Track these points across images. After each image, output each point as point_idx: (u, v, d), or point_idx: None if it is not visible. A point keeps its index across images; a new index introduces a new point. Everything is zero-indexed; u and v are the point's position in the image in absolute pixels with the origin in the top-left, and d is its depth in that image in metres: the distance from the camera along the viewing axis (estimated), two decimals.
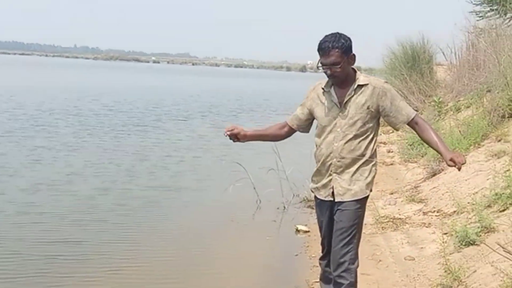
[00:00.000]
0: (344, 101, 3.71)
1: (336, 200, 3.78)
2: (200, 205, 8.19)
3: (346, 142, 3.70)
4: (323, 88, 3.80)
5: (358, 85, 3.70)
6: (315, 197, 3.98)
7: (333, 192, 3.78)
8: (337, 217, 3.76)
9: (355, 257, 3.75)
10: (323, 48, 3.64)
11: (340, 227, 3.74)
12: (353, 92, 3.70)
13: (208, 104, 25.26)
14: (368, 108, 3.67)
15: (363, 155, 3.71)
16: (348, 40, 3.68)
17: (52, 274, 5.33)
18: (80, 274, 5.33)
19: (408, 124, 3.78)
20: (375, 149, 3.80)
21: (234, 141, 3.97)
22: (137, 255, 5.96)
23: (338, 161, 3.73)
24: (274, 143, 8.50)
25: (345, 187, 3.73)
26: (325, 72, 3.70)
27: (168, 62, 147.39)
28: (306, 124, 3.96)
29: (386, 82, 3.84)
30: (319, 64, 3.71)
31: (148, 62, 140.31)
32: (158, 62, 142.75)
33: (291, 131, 4.04)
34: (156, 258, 5.87)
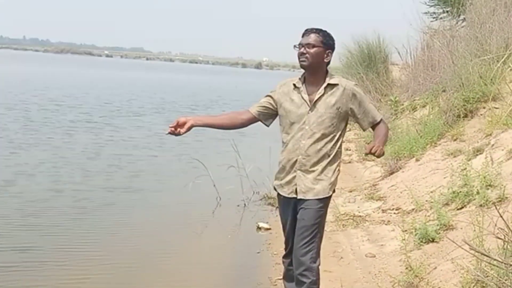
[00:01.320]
0: (315, 99, 3.73)
1: (298, 197, 3.78)
2: (159, 203, 8.07)
3: (314, 141, 3.71)
4: (294, 84, 3.82)
5: (329, 84, 3.72)
6: (278, 194, 3.97)
7: (296, 190, 3.80)
8: (300, 215, 3.77)
9: (317, 255, 3.75)
10: (307, 30, 3.79)
11: (302, 225, 3.75)
12: (323, 91, 3.72)
13: (161, 100, 24.96)
14: (337, 109, 3.70)
15: (328, 154, 3.73)
16: (333, 40, 3.80)
17: (3, 286, 4.97)
18: (35, 284, 5.06)
19: (372, 126, 3.85)
20: (341, 150, 3.82)
21: (176, 135, 3.77)
22: (94, 260, 5.68)
23: (304, 159, 3.75)
24: (234, 140, 8.57)
25: (309, 185, 3.74)
26: (298, 52, 3.75)
27: (121, 56, 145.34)
28: (269, 115, 3.90)
29: (356, 84, 3.87)
30: (296, 44, 3.79)
31: (100, 56, 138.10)
32: (111, 56, 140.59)
33: (251, 120, 3.90)
34: (114, 262, 5.70)
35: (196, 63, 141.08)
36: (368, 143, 9.96)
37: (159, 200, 8.19)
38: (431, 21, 14.50)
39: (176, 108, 21.54)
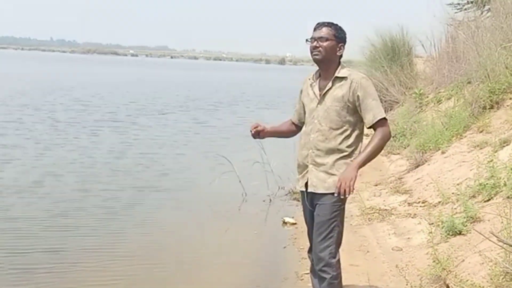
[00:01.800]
0: (323, 93, 3.75)
1: (308, 191, 3.80)
2: (185, 200, 8.16)
3: (322, 134, 3.71)
4: (309, 80, 3.86)
5: (337, 77, 3.71)
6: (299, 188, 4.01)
7: (307, 183, 3.81)
8: (316, 211, 3.77)
9: (336, 250, 3.73)
10: (318, 24, 3.78)
11: (318, 221, 3.75)
12: (331, 84, 3.73)
13: (186, 97, 25.09)
14: (345, 102, 3.68)
15: (339, 149, 3.70)
16: (345, 33, 3.79)
17: None
18: (64, 286, 5.07)
19: (372, 125, 3.69)
20: (358, 144, 3.75)
21: (255, 137, 4.05)
22: (124, 261, 5.69)
23: (313, 153, 3.76)
24: None
25: (319, 179, 3.73)
26: (310, 46, 3.75)
27: (146, 55, 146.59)
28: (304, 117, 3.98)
29: (366, 77, 3.78)
30: (308, 38, 3.78)
31: (126, 55, 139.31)
32: (136, 55, 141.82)
33: (298, 127, 4.08)
34: (143, 257, 5.80)
35: (220, 60, 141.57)
36: (394, 136, 9.77)
37: (185, 198, 8.27)
38: (455, 12, 14.32)
39: (201, 106, 21.64)
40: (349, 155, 3.71)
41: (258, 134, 4.02)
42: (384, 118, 3.68)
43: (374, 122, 3.65)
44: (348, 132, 3.71)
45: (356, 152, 3.75)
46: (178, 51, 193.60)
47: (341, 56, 3.78)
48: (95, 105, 19.92)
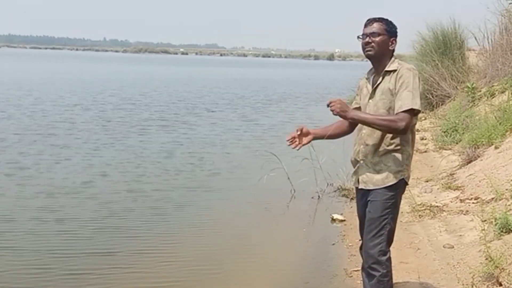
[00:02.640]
0: (374, 88, 3.73)
1: (359, 187, 3.79)
2: (235, 197, 8.21)
3: (370, 129, 3.69)
4: (366, 76, 3.87)
5: (386, 71, 3.68)
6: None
7: (359, 180, 3.80)
8: (368, 207, 3.75)
9: (386, 248, 3.70)
10: (369, 20, 3.74)
11: (369, 217, 3.73)
12: (381, 78, 3.70)
13: (234, 95, 25.16)
14: (392, 94, 3.62)
15: (388, 143, 3.65)
16: (395, 27, 3.76)
17: None
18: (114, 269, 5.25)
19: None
20: (408, 138, 3.68)
21: (297, 148, 4.01)
22: (175, 263, 5.66)
23: (364, 148, 3.75)
24: None
25: (368, 175, 3.72)
26: (362, 42, 3.72)
27: (196, 53, 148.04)
28: None
29: (412, 68, 3.65)
30: (360, 35, 3.75)
31: (176, 53, 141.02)
32: (187, 54, 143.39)
33: (352, 125, 3.96)
34: (191, 248, 5.92)
35: (269, 57, 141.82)
36: (445, 131, 9.50)
37: (234, 195, 8.32)
38: (510, 3, 13.93)
39: (250, 103, 21.66)
40: (396, 150, 3.66)
41: (300, 136, 3.92)
42: (411, 110, 3.52)
43: (398, 111, 3.54)
44: None
45: (406, 146, 3.67)
46: (227, 48, 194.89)
47: (393, 50, 3.75)
48: (144, 103, 20.23)
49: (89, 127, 14.11)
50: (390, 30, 3.71)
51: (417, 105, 3.52)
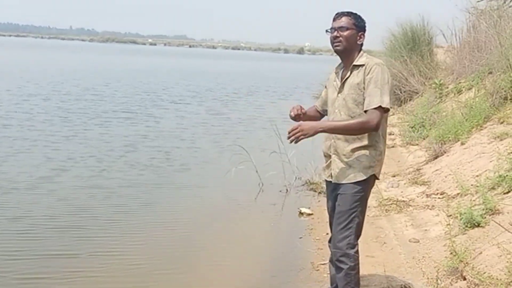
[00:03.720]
0: (342, 82, 3.74)
1: (333, 181, 3.80)
2: (201, 189, 8.14)
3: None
4: (336, 70, 3.86)
5: (354, 65, 3.69)
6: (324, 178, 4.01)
7: (331, 174, 3.81)
8: (338, 201, 3.76)
9: (354, 241, 3.72)
10: (337, 14, 3.75)
11: (338, 211, 3.74)
12: (349, 73, 3.71)
13: (203, 87, 24.82)
14: (360, 89, 3.63)
15: (358, 138, 3.66)
16: (364, 21, 3.76)
17: None
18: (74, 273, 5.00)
19: (366, 112, 3.60)
20: (379, 135, 3.69)
21: (295, 119, 3.87)
22: (137, 240, 5.82)
23: (335, 142, 3.75)
24: (276, 125, 8.56)
25: (341, 170, 3.73)
26: (331, 36, 3.73)
27: (164, 44, 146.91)
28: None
29: (380, 63, 3.65)
30: (328, 29, 3.76)
31: (144, 44, 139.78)
32: (155, 44, 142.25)
33: (320, 114, 4.08)
34: (158, 246, 5.79)
35: (239, 49, 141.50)
36: (413, 127, 9.62)
37: (202, 187, 8.25)
38: (477, 1, 14.10)
39: (218, 96, 21.36)
40: (369, 146, 3.67)
41: (299, 116, 3.87)
42: (380, 107, 3.53)
43: (367, 109, 3.56)
44: None
45: (378, 142, 3.69)
46: (196, 40, 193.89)
47: (361, 44, 3.76)
48: (107, 94, 19.49)
49: (47, 118, 13.45)
50: (358, 24, 3.71)
51: (384, 103, 3.53)
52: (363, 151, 3.67)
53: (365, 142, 3.66)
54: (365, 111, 3.57)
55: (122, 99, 18.59)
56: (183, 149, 10.70)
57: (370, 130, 3.59)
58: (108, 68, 35.87)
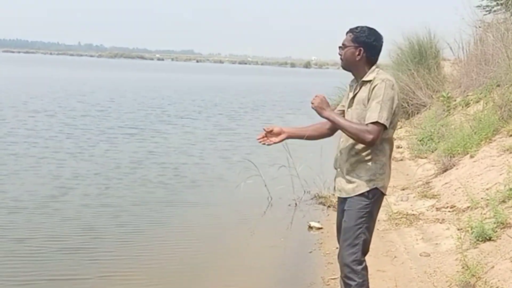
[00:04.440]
0: (352, 97, 3.75)
1: (336, 195, 3.82)
2: (211, 204, 8.13)
3: (346, 138, 3.70)
4: (350, 82, 3.86)
5: (363, 81, 3.69)
6: None
7: (335, 187, 3.82)
8: (344, 217, 3.74)
9: (361, 257, 3.68)
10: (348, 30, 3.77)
11: (344, 226, 3.72)
12: (359, 88, 3.71)
13: (210, 102, 24.64)
14: (364, 104, 3.62)
15: (358, 152, 3.65)
16: (368, 36, 3.69)
17: None
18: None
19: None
20: (383, 148, 3.64)
21: (268, 144, 3.94)
22: (147, 259, 5.75)
23: (339, 157, 3.76)
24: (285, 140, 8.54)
25: (343, 183, 3.72)
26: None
27: (172, 59, 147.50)
28: None
29: (386, 79, 3.61)
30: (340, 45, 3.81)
31: (152, 59, 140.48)
32: (162, 60, 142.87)
33: (334, 128, 3.91)
34: (167, 260, 5.79)
35: (246, 64, 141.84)
36: (421, 140, 9.60)
37: (211, 201, 8.23)
38: (484, 15, 14.17)
39: (225, 111, 21.09)
40: (368, 159, 3.63)
41: (271, 133, 3.88)
42: (377, 122, 3.50)
43: (366, 123, 3.53)
44: None
45: (378, 155, 3.63)
46: (203, 55, 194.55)
47: (363, 60, 3.69)
48: (113, 110, 19.22)
49: (52, 134, 13.18)
50: (357, 40, 3.68)
51: (382, 119, 3.49)
52: (361, 165, 3.64)
53: (363, 156, 3.64)
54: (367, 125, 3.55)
55: (128, 114, 18.30)
56: (191, 165, 10.61)
57: (365, 142, 3.55)
58: (116, 83, 35.90)
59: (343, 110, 3.90)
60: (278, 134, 3.91)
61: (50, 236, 6.35)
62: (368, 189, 3.63)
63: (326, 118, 3.67)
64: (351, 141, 3.66)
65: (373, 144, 3.56)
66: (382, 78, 3.61)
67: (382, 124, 3.50)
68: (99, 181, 8.89)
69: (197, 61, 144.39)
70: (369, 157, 3.63)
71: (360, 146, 3.63)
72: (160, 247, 6.19)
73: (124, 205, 7.70)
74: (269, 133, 3.93)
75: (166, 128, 15.55)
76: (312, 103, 3.68)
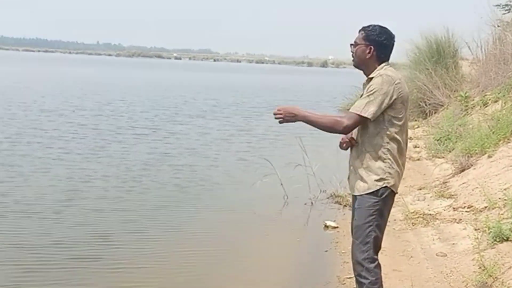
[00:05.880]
0: (361, 94, 3.78)
1: (350, 193, 3.85)
2: (227, 202, 8.15)
3: (356, 137, 3.74)
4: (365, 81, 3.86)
5: (369, 78, 3.72)
6: None
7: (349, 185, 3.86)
8: (355, 215, 3.78)
9: (373, 255, 3.69)
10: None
11: (355, 225, 3.75)
12: (366, 86, 3.72)
13: (226, 102, 24.12)
14: None
15: (367, 150, 3.67)
16: (379, 34, 3.71)
17: None
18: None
19: None
20: (388, 147, 3.63)
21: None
22: (165, 256, 5.79)
23: (351, 154, 3.82)
24: (301, 138, 8.54)
25: (354, 181, 3.76)
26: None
27: (189, 58, 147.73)
28: None
29: (385, 74, 3.61)
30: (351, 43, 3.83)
31: (169, 58, 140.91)
32: (180, 58, 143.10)
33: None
34: (185, 258, 5.83)
35: (263, 63, 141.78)
36: (438, 139, 9.56)
37: (227, 200, 8.26)
38: (503, 14, 14.05)
39: (241, 111, 20.59)
40: (378, 157, 3.65)
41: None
42: (356, 114, 3.56)
43: (350, 110, 3.64)
44: (375, 133, 3.64)
45: (386, 153, 3.64)
46: (221, 54, 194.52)
47: (376, 57, 3.70)
48: (128, 110, 18.87)
49: (63, 134, 12.91)
50: (368, 38, 3.71)
51: (367, 112, 3.54)
52: (370, 163, 3.66)
53: (371, 155, 3.66)
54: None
55: (143, 114, 17.98)
56: (206, 165, 10.55)
57: (338, 131, 3.63)
58: (133, 82, 35.91)
59: None
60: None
61: (59, 243, 6.07)
62: (377, 188, 3.65)
63: (302, 121, 3.67)
64: (360, 139, 3.69)
65: (346, 133, 3.66)
66: (381, 73, 3.64)
67: (363, 117, 3.55)
68: (112, 184, 8.67)
69: (214, 60, 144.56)
70: (377, 156, 3.65)
71: (367, 145, 3.66)
72: (175, 250, 6.07)
73: (138, 209, 7.48)
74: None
75: (181, 128, 15.30)
76: (279, 118, 3.68)
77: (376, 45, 3.70)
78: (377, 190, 3.65)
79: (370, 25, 3.75)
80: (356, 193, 3.73)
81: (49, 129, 13.75)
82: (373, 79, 3.64)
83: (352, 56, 3.79)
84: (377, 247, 3.73)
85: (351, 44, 3.79)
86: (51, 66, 57.00)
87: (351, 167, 3.80)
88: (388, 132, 3.62)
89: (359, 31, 3.77)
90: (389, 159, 3.65)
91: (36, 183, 8.52)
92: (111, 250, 5.94)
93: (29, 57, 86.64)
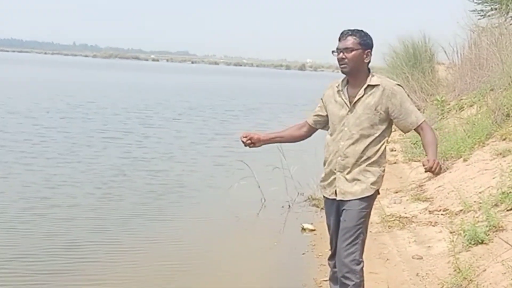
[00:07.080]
0: (354, 101, 3.73)
1: (337, 199, 3.79)
2: (204, 204, 8.14)
3: (352, 142, 3.71)
4: (337, 87, 3.82)
5: (369, 85, 3.70)
6: (324, 195, 3.98)
7: (336, 191, 3.80)
8: (343, 217, 3.77)
9: (360, 257, 3.73)
10: (342, 33, 3.74)
11: (344, 227, 3.74)
12: (363, 92, 3.71)
13: (203, 105, 23.85)
14: (376, 109, 3.66)
15: (367, 156, 3.70)
16: (371, 38, 3.75)
17: None
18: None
19: (415, 129, 3.73)
20: (384, 153, 3.75)
21: (250, 146, 4.00)
22: (139, 268, 5.58)
23: (342, 160, 3.74)
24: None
25: (347, 187, 3.73)
26: (337, 58, 3.74)
27: (167, 60, 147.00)
28: (325, 122, 3.94)
29: (398, 84, 3.77)
30: (334, 49, 3.76)
31: (147, 60, 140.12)
32: (157, 60, 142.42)
33: (310, 130, 4.04)
34: (160, 261, 5.77)
35: (240, 65, 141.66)
36: (414, 143, 9.67)
37: (204, 205, 8.18)
38: (479, 19, 14.20)
39: (218, 113, 20.45)
40: (376, 162, 3.71)
41: (251, 141, 3.95)
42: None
43: (418, 124, 3.70)
44: (377, 140, 3.71)
45: (382, 158, 3.74)
46: (198, 56, 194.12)
47: (369, 62, 3.76)
48: (101, 113, 18.28)
49: (28, 137, 12.36)
50: (363, 42, 3.70)
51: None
52: (370, 168, 3.70)
53: (374, 161, 3.70)
54: (418, 126, 3.70)
55: (116, 117, 17.47)
56: (183, 167, 10.45)
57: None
58: (110, 84, 35.47)
59: (320, 115, 3.95)
60: (258, 140, 3.99)
61: (25, 256, 5.70)
62: (372, 192, 3.72)
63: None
64: (361, 145, 3.69)
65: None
66: (395, 83, 3.75)
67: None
68: (84, 191, 8.27)
69: (192, 62, 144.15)
70: (378, 162, 3.72)
71: (371, 151, 3.69)
72: (150, 262, 5.77)
73: (112, 217, 7.19)
74: (251, 139, 3.97)
75: (156, 132, 14.81)
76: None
77: (371, 49, 3.74)
78: (372, 194, 3.73)
79: (359, 30, 3.74)
80: (351, 197, 3.71)
81: (15, 131, 13.18)
82: (389, 90, 3.67)
83: (345, 62, 3.70)
84: (363, 249, 3.77)
85: (340, 50, 3.70)
86: (24, 67, 56.02)
87: (339, 173, 3.75)
88: (387, 138, 3.76)
89: (347, 35, 3.70)
90: (384, 163, 3.77)
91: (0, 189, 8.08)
92: (82, 264, 5.56)
93: (1, 57, 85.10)
